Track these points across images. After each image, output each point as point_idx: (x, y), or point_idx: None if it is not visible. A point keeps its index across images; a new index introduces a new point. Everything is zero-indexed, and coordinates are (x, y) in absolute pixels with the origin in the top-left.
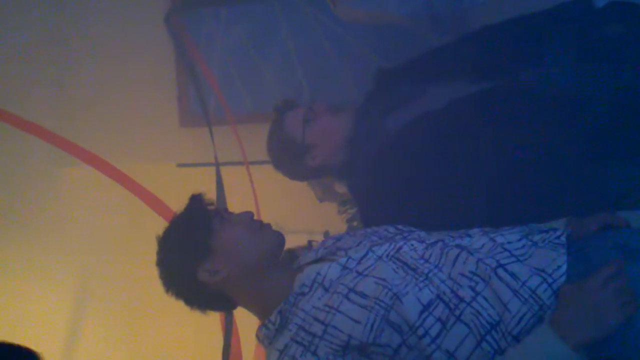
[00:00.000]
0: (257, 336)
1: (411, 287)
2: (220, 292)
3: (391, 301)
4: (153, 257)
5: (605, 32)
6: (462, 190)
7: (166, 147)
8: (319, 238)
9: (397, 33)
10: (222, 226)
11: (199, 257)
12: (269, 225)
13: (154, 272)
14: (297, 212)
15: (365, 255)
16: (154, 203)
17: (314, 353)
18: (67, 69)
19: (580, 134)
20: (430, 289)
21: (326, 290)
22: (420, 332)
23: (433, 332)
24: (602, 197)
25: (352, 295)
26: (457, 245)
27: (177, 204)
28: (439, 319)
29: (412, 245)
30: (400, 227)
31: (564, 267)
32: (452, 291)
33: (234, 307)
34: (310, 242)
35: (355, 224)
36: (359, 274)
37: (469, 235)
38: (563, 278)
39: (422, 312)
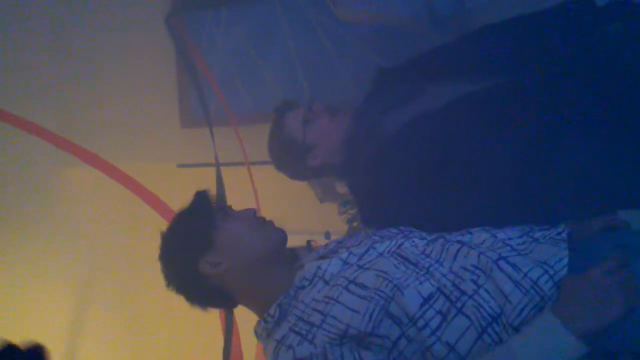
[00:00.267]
0: (255, 331)
1: (412, 280)
2: (220, 286)
3: (391, 292)
4: (154, 257)
5: (606, 31)
6: (461, 189)
7: (167, 148)
8: (320, 239)
9: (397, 33)
10: (225, 221)
11: (201, 248)
12: (271, 222)
13: (155, 272)
14: (298, 212)
15: (366, 252)
16: (155, 203)
17: (311, 341)
18: (68, 71)
19: (580, 134)
20: (430, 282)
21: (326, 283)
22: (420, 323)
23: (433, 324)
24: (602, 197)
25: (352, 287)
26: (458, 241)
27: (178, 204)
28: (439, 312)
29: (413, 241)
30: (401, 228)
31: (566, 260)
32: (454, 285)
33: (234, 304)
34: (309, 241)
35: (355, 224)
36: (360, 267)
37: (470, 233)
38: (565, 270)
39: (422, 305)
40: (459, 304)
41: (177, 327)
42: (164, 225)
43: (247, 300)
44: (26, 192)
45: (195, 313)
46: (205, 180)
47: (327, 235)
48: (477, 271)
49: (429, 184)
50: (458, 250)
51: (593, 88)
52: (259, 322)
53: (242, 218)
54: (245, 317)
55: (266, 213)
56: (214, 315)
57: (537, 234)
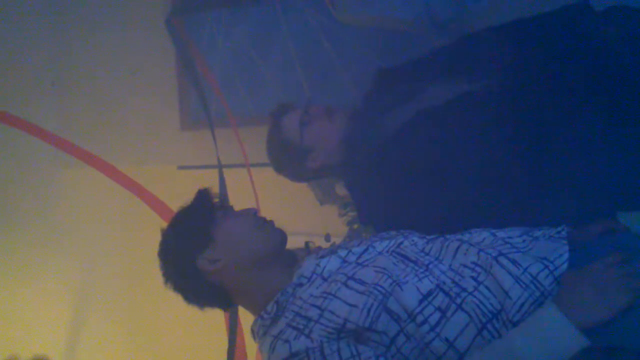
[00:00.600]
0: (252, 330)
1: (411, 277)
2: (217, 284)
3: (390, 287)
4: (154, 258)
5: (604, 36)
6: (460, 190)
7: (167, 149)
8: (320, 240)
9: (397, 34)
10: (225, 218)
11: (199, 244)
12: (272, 222)
13: (155, 272)
14: (298, 214)
15: (365, 250)
16: (155, 205)
17: (308, 336)
18: (68, 72)
19: (580, 135)
20: (430, 279)
21: (325, 280)
22: (419, 319)
23: (432, 320)
24: (602, 199)
25: (350, 282)
26: (458, 239)
27: (178, 205)
28: (438, 308)
29: (412, 240)
30: (401, 230)
31: (566, 255)
32: (454, 282)
33: (231, 304)
34: (307, 242)
35: (356, 226)
36: (359, 264)
37: (470, 232)
38: (565, 265)
39: (421, 301)
40: (458, 300)
41: (179, 329)
42: (164, 226)
43: (244, 299)
44: (26, 193)
45: (198, 314)
46: (206, 182)
47: (327, 237)
48: (477, 268)
49: (428, 184)
50: (457, 248)
51: (592, 90)
52: (255, 321)
53: (242, 217)
54: (250, 318)
55: (266, 215)
56: (219, 315)
57: (537, 233)
